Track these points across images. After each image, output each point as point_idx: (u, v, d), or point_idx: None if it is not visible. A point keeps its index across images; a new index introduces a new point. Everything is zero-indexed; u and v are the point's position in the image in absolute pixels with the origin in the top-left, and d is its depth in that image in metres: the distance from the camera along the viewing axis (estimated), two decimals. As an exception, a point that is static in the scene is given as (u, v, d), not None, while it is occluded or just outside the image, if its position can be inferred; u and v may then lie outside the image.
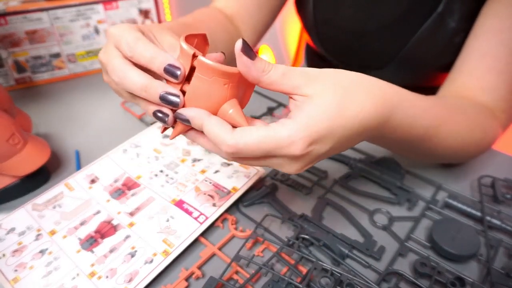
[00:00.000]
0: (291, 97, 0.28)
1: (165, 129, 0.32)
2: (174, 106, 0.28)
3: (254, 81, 0.27)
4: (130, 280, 0.35)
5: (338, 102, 0.27)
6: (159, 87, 0.28)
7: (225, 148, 0.26)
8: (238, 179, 0.45)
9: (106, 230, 0.40)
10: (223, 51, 0.32)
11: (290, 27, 1.31)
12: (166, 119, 0.29)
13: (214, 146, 0.29)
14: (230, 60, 0.55)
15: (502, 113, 0.44)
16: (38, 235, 0.40)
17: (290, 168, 0.29)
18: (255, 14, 0.59)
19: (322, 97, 0.27)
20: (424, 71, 0.58)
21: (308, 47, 0.82)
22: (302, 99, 0.27)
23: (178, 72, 0.27)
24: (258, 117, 0.58)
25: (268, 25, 0.62)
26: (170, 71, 0.27)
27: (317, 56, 0.77)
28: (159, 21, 0.74)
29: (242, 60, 0.26)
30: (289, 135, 0.26)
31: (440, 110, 0.38)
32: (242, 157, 0.28)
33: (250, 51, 0.26)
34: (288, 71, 0.27)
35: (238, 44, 0.25)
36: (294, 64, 1.06)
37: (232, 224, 0.41)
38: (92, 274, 0.36)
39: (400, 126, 0.33)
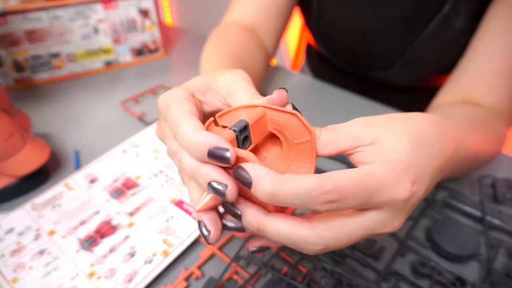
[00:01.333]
0: (352, 154, 0.23)
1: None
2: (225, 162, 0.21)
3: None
4: (129, 280, 0.35)
5: (411, 140, 0.23)
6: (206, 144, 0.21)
7: (324, 197, 0.19)
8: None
9: (105, 230, 0.40)
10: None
11: (290, 27, 1.31)
12: (224, 189, 0.21)
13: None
14: (261, 80, 0.53)
15: (508, 112, 0.44)
16: (37, 235, 0.39)
17: (394, 222, 0.22)
18: (276, 21, 0.58)
19: (391, 135, 0.22)
20: (428, 72, 0.58)
21: (309, 47, 0.82)
22: (371, 146, 0.22)
23: (228, 154, 0.20)
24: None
25: (286, 29, 0.62)
26: (216, 155, 0.21)
27: (319, 57, 0.77)
28: (159, 21, 0.74)
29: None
30: (392, 169, 0.21)
31: (471, 130, 0.36)
32: (337, 210, 0.21)
33: None
34: (337, 126, 0.23)
35: None
36: (295, 64, 1.06)
37: (232, 224, 0.41)
38: (92, 274, 0.36)
39: (456, 161, 0.30)
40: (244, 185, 0.20)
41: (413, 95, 0.65)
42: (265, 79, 0.66)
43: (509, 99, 0.43)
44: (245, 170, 0.20)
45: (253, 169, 0.20)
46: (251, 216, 0.22)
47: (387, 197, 0.21)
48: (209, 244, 0.23)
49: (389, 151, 0.22)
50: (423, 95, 0.59)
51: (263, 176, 0.20)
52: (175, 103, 0.24)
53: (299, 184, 0.19)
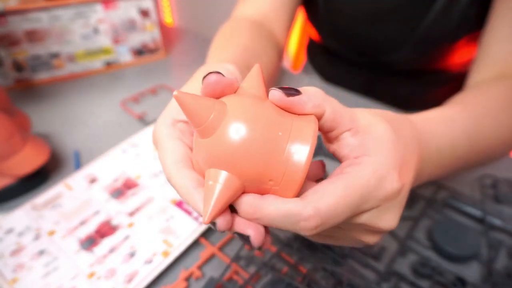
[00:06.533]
0: (334, 140, 0.23)
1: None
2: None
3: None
4: (129, 281, 0.35)
5: (392, 128, 0.22)
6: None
7: (304, 224, 0.19)
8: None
9: (105, 230, 0.40)
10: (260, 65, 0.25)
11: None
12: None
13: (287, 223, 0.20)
14: (271, 75, 0.49)
15: None
16: (37, 235, 0.39)
17: (391, 216, 0.22)
18: (287, 9, 0.57)
19: (378, 124, 0.22)
20: (438, 50, 0.57)
21: (311, 43, 0.81)
22: (358, 133, 0.22)
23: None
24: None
25: (295, 20, 0.61)
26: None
27: (322, 51, 0.77)
28: (159, 21, 0.74)
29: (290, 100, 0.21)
30: (374, 170, 0.20)
31: (468, 125, 0.34)
32: (328, 230, 0.21)
33: (291, 90, 0.21)
34: (339, 107, 0.22)
35: (275, 93, 0.20)
36: (296, 62, 1.06)
37: (232, 224, 0.41)
38: (92, 274, 0.35)
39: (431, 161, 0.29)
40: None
41: (421, 81, 0.65)
42: (280, 70, 0.64)
43: None
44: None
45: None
46: (247, 203, 0.20)
47: (376, 197, 0.20)
48: (255, 248, 0.21)
49: (374, 142, 0.21)
50: (431, 80, 0.58)
51: (244, 200, 0.20)
52: (161, 151, 0.23)
53: (278, 208, 0.19)
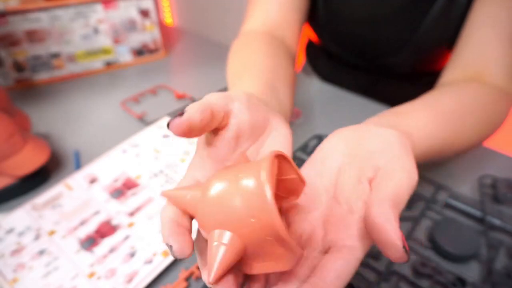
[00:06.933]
0: None
1: None
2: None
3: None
4: (129, 281, 0.35)
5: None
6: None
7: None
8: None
9: (105, 230, 0.40)
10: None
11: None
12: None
13: None
14: (292, 89, 0.45)
15: None
16: (37, 235, 0.39)
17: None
18: (297, 15, 0.57)
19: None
20: (437, 53, 0.58)
21: (310, 45, 0.81)
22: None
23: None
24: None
25: (303, 24, 0.61)
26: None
27: (322, 53, 0.77)
28: (159, 21, 0.74)
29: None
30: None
31: (447, 124, 0.35)
32: None
33: None
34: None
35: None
36: (296, 63, 1.06)
37: (232, 224, 0.41)
38: (92, 274, 0.35)
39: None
40: None
41: (421, 82, 0.65)
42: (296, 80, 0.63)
43: None
44: None
45: None
46: None
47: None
48: (176, 258, 0.21)
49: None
50: (431, 82, 0.58)
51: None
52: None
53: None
